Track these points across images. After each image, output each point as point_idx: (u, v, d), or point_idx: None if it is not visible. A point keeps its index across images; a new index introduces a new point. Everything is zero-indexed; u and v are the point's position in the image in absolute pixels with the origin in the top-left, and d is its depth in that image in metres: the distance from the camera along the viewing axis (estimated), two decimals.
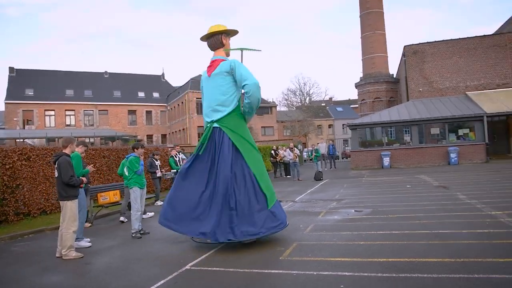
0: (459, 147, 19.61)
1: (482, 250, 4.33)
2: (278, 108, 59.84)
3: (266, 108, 57.33)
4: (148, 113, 51.15)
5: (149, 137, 47.98)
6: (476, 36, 23.58)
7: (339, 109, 71.02)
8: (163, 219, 5.36)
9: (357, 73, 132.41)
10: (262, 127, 52.25)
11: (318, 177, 16.19)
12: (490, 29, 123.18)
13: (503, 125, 22.52)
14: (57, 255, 5.30)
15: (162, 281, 3.96)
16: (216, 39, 5.78)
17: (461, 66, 23.32)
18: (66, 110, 44.10)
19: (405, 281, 3.52)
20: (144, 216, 9.14)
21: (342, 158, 38.24)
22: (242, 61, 5.78)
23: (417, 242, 4.91)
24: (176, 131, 49.07)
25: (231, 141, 5.36)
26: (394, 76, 33.20)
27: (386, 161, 20.39)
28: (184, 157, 12.07)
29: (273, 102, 62.58)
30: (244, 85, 5.29)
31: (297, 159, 17.85)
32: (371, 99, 32.44)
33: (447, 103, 22.12)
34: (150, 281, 3.99)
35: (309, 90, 76.79)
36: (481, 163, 19.03)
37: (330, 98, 76.42)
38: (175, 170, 11.18)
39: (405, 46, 24.77)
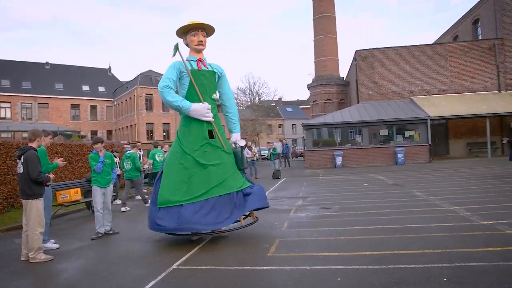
0: (405, 148, 20.87)
1: (456, 242, 4.65)
2: None
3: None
4: (93, 107, 48.69)
5: (94, 133, 45.61)
6: (420, 45, 25.21)
7: (289, 109, 72.50)
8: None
9: (306, 75, 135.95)
10: None
11: (276, 175, 16.42)
12: (430, 37, 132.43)
13: (443, 128, 24.30)
14: (22, 258, 4.86)
15: (152, 282, 3.79)
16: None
17: (407, 72, 24.79)
18: (0, 102, 40.67)
19: (398, 272, 3.69)
20: (123, 209, 9.00)
21: (292, 158, 39.13)
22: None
23: (393, 236, 5.15)
24: (123, 127, 47.17)
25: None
26: (344, 79, 34.53)
27: (339, 160, 21.16)
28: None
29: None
30: None
31: (255, 157, 17.97)
32: (322, 100, 33.46)
33: (394, 106, 23.42)
34: (139, 283, 3.80)
35: (258, 90, 77.49)
36: (424, 163, 20.41)
37: (280, 98, 77.57)
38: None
39: (356, 51, 25.84)
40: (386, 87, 25.21)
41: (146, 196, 9.80)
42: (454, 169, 15.53)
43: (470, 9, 28.02)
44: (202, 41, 5.56)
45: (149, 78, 44.60)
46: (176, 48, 5.42)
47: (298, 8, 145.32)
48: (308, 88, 35.37)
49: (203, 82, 5.48)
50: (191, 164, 5.27)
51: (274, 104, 70.93)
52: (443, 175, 13.49)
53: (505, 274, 3.49)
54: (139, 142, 13.10)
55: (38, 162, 4.82)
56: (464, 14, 29.01)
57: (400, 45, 25.35)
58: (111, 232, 6.27)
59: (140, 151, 11.55)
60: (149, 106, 44.42)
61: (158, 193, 5.23)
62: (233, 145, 5.79)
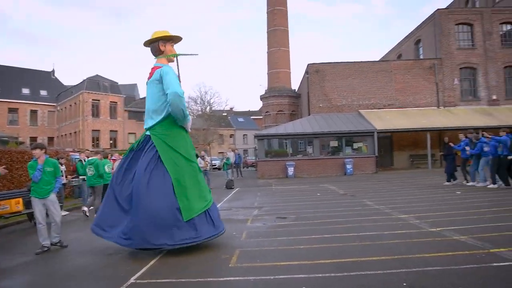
0: (354, 159, 21.73)
1: (409, 248, 4.86)
2: None
3: None
4: (33, 112, 45.79)
5: (33, 139, 42.74)
6: (367, 61, 26.57)
7: (241, 119, 72.75)
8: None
9: (257, 86, 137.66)
10: None
11: (229, 185, 16.32)
12: (375, 54, 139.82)
13: (388, 141, 25.63)
14: None
15: None
16: (154, 46, 5.69)
17: (355, 87, 25.94)
18: None
19: (361, 278, 3.77)
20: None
21: (243, 168, 39.28)
22: (178, 67, 5.77)
23: (351, 244, 5.28)
24: (66, 134, 44.72)
25: (156, 149, 5.25)
26: (296, 91, 35.41)
27: (291, 171, 21.53)
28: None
29: None
30: (166, 94, 5.22)
31: (208, 167, 17.76)
32: (274, 111, 34.04)
33: (343, 119, 24.36)
34: None
35: (210, 99, 77.27)
36: (371, 174, 21.34)
37: (231, 108, 77.90)
38: (83, 177, 10.20)
39: (308, 64, 26.64)
40: (336, 100, 26.17)
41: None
42: (399, 180, 16.38)
43: (413, 30, 30.08)
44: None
45: (96, 83, 42.81)
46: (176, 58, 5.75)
47: (249, 20, 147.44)
48: (261, 99, 35.82)
49: None
50: (196, 170, 5.55)
51: (225, 114, 71.03)
52: (390, 185, 14.17)
53: (458, 276, 3.69)
54: (88, 150, 12.42)
55: None
56: (408, 35, 31.06)
57: (349, 61, 26.51)
58: (58, 244, 5.83)
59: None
60: (95, 112, 42.57)
61: (180, 206, 5.06)
62: None
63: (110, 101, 43.84)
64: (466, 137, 12.64)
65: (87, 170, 9.30)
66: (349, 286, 3.60)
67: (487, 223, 6.25)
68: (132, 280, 4.06)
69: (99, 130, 42.53)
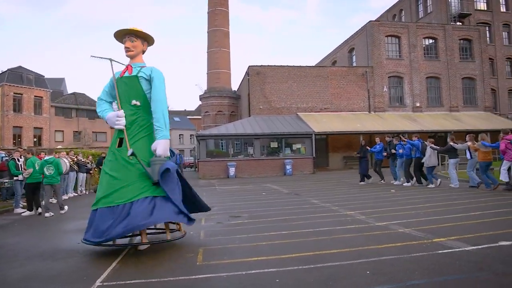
0: (293, 160, 22.50)
1: (363, 241, 5.23)
2: None
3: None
4: None
5: None
6: (306, 66, 27.68)
7: (176, 119, 71.26)
8: None
9: (191, 85, 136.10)
10: (93, 132, 47.83)
11: None
12: (312, 59, 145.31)
13: (324, 143, 26.92)
14: None
15: None
16: None
17: (294, 90, 26.87)
18: None
19: (327, 269, 4.00)
20: (46, 215, 8.71)
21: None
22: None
23: (308, 239, 5.54)
24: None
25: None
26: (235, 92, 35.68)
27: (232, 171, 21.69)
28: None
29: None
30: None
31: None
32: (214, 111, 33.97)
33: (282, 121, 25.10)
34: None
35: None
36: (309, 174, 22.27)
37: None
38: (18, 177, 9.44)
39: (249, 66, 27.04)
40: (275, 103, 26.88)
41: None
42: (336, 179, 17.33)
43: (347, 39, 31.92)
44: (128, 47, 5.39)
45: (19, 76, 39.35)
46: (110, 61, 5.40)
47: (178, 19, 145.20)
48: (200, 99, 35.54)
49: (123, 89, 5.32)
50: (102, 172, 5.35)
51: None
52: (329, 185, 14.94)
53: (412, 263, 4.09)
54: (21, 148, 11.45)
55: None
56: (342, 43, 32.91)
57: (289, 65, 27.39)
58: None
59: (21, 158, 10.09)
60: (17, 107, 39.08)
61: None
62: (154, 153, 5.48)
63: (35, 96, 40.49)
64: (391, 140, 13.82)
65: (45, 169, 9.10)
66: (317, 276, 3.81)
67: (424, 217, 6.93)
68: (98, 283, 3.88)
69: (21, 127, 39.05)
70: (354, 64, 30.81)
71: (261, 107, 26.67)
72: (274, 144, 23.66)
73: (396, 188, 12.15)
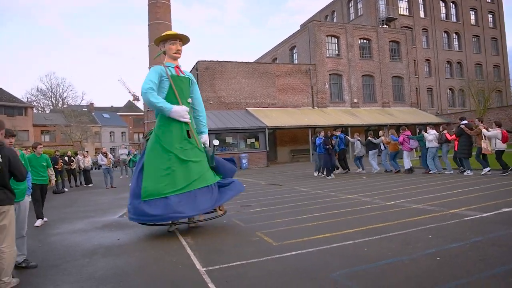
0: (248, 154, 23.11)
1: (393, 216, 6.00)
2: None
3: (19, 108, 48.66)
4: None
5: None
6: (254, 62, 28.43)
7: (106, 115, 67.70)
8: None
9: (114, 80, 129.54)
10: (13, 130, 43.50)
11: None
12: (253, 55, 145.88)
13: (272, 137, 27.90)
14: None
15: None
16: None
17: (243, 85, 27.42)
18: None
19: (396, 237, 4.66)
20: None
21: (116, 167, 36.74)
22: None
23: (341, 219, 6.16)
24: None
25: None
26: None
27: None
28: None
29: (29, 102, 53.68)
30: None
31: (111, 164, 16.60)
32: None
33: (234, 116, 25.55)
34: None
35: (63, 93, 69.75)
36: (264, 167, 23.09)
37: (91, 104, 71.94)
38: None
39: (198, 61, 26.95)
40: (225, 98, 27.20)
41: None
42: (294, 170, 18.32)
43: (288, 37, 33.26)
44: (179, 50, 5.98)
45: None
46: (160, 53, 6.08)
47: (88, 9, 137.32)
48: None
49: (181, 87, 5.87)
50: (173, 160, 5.63)
51: (86, 109, 65.32)
52: (292, 175, 15.83)
53: (457, 227, 4.93)
54: None
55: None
56: (283, 40, 34.17)
57: (238, 61, 27.85)
58: (24, 264, 4.50)
59: None
60: None
61: (142, 187, 5.53)
62: (203, 145, 6.03)
63: None
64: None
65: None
66: (395, 243, 4.46)
67: (421, 195, 7.98)
68: (202, 269, 4.04)
69: None
70: (296, 62, 32.29)
71: (211, 102, 26.75)
72: (229, 139, 24.02)
73: (364, 176, 13.44)
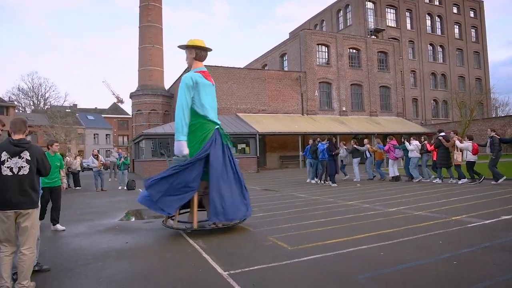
0: (239, 159, 22.97)
1: (399, 222, 6.17)
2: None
3: (0, 107, 47.51)
4: None
5: None
6: (245, 68, 28.58)
7: (90, 117, 66.71)
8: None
9: (99, 82, 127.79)
10: None
11: (131, 186, 15.50)
12: (242, 61, 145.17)
13: (262, 143, 28.00)
14: None
15: None
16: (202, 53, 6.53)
17: (234, 91, 27.50)
18: None
19: (406, 243, 4.81)
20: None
21: (107, 169, 36.28)
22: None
23: (347, 224, 6.30)
24: None
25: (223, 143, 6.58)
26: (168, 90, 34.97)
27: None
28: None
29: (11, 101, 52.41)
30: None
31: (102, 167, 16.37)
32: (147, 110, 32.81)
33: (225, 121, 25.52)
34: None
35: (45, 93, 68.54)
36: (254, 172, 23.14)
37: (75, 105, 70.86)
38: None
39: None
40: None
41: None
42: (286, 176, 18.42)
43: (279, 44, 33.57)
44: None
45: None
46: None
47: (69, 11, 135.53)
48: (131, 97, 34.06)
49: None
50: None
51: (69, 110, 64.23)
52: (284, 181, 15.95)
53: (464, 233, 5.12)
54: None
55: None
56: (274, 47, 34.45)
57: (229, 66, 27.94)
58: (37, 268, 4.34)
59: None
60: None
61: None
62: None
63: None
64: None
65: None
66: (408, 248, 4.60)
67: (420, 202, 8.19)
68: (224, 273, 4.08)
69: None
70: (286, 69, 32.60)
71: None
72: None
73: (359, 184, 13.68)
